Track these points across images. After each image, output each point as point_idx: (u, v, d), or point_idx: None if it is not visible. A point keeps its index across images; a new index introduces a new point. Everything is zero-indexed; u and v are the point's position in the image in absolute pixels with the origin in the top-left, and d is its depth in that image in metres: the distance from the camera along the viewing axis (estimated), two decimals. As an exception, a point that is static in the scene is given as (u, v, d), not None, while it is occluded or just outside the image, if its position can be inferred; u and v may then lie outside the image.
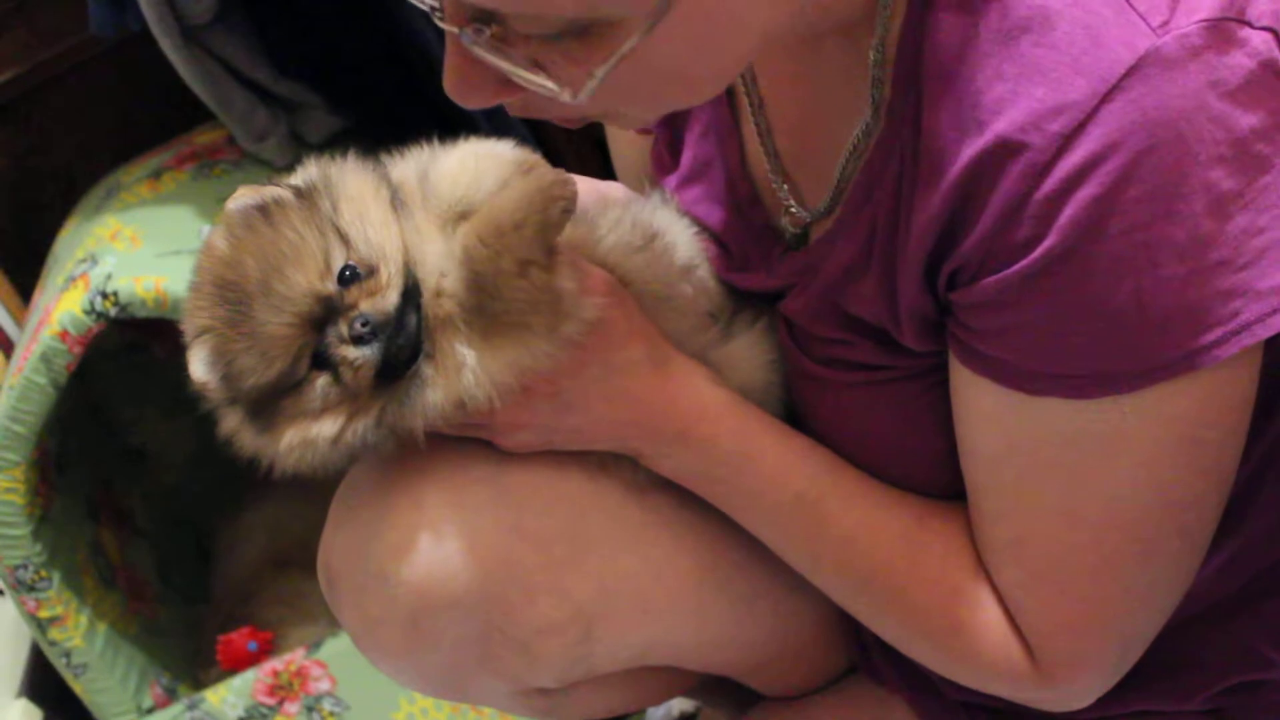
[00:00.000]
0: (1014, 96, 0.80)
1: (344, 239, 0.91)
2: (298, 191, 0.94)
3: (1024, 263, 0.81)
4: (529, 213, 0.90)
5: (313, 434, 0.92)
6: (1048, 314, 0.83)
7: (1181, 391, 0.83)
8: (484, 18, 0.76)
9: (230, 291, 0.90)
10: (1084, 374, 0.84)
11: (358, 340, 0.89)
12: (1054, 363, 0.84)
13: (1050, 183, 0.79)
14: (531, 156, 0.97)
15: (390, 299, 0.90)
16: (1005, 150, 0.80)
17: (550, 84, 0.77)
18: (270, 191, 0.94)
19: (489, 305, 0.91)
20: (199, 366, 0.91)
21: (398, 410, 0.92)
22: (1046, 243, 0.80)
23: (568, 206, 0.91)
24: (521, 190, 0.91)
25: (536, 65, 0.78)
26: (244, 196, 0.94)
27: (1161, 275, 0.80)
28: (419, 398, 0.91)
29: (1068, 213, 0.79)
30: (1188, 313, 0.80)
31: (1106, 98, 0.77)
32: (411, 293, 0.91)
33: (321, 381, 0.91)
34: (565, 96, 0.78)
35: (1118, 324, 0.81)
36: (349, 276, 0.90)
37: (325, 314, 0.90)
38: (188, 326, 0.93)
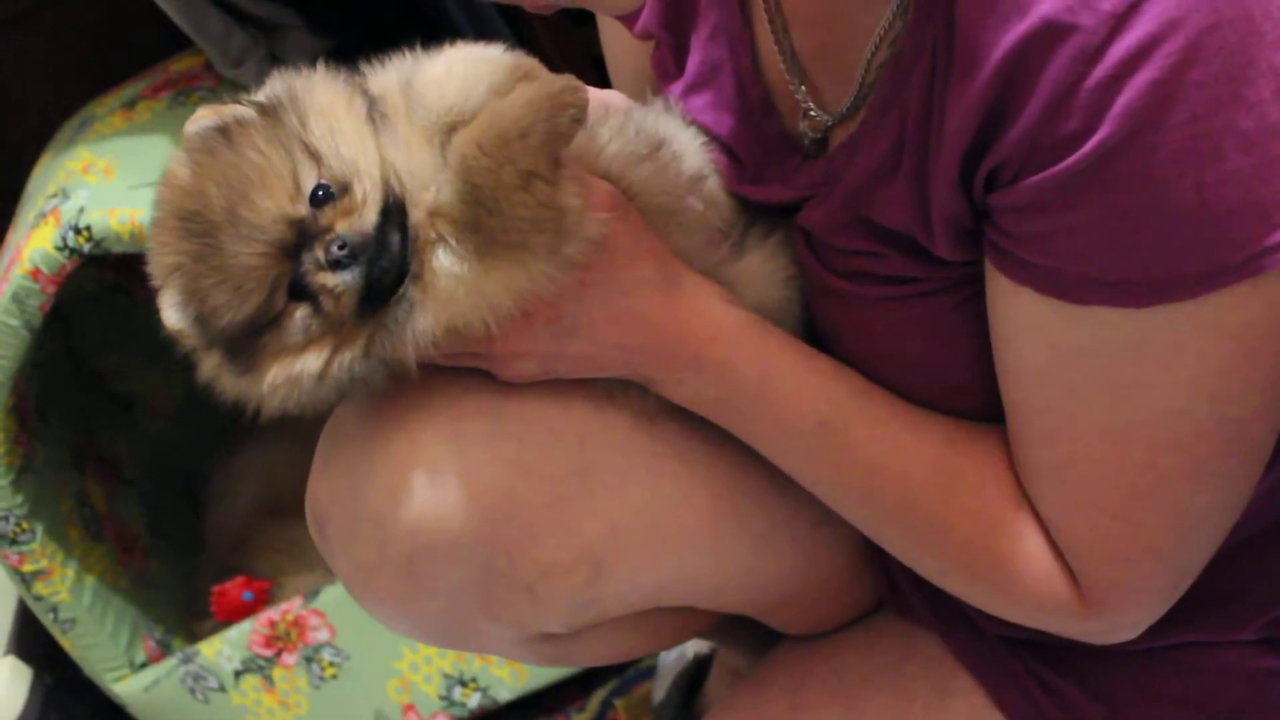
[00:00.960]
0: None
1: (314, 156, 0.85)
2: (261, 109, 0.88)
3: (1073, 158, 0.76)
4: (536, 120, 0.84)
5: (296, 370, 0.86)
6: (1099, 215, 0.77)
7: (1244, 299, 0.78)
8: None
9: (195, 223, 0.85)
10: (1138, 280, 0.79)
11: (335, 265, 0.84)
12: (1104, 269, 0.79)
13: (1103, 68, 0.74)
14: (527, 61, 0.92)
15: (368, 217, 0.84)
16: (1051, 33, 0.75)
17: None
18: (231, 111, 0.88)
19: (485, 222, 0.85)
20: (171, 312, 0.87)
21: (386, 339, 0.87)
22: (1098, 135, 0.75)
23: (578, 115, 0.85)
24: (528, 96, 0.85)
25: None
26: (203, 118, 0.88)
27: (1226, 168, 0.74)
28: (408, 324, 0.86)
29: (1122, 100, 0.74)
30: (1253, 210, 0.76)
31: None
32: (392, 210, 0.85)
33: (301, 313, 0.85)
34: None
35: (1176, 224, 0.76)
36: (321, 197, 0.85)
37: (299, 239, 0.84)
38: (155, 267, 0.88)
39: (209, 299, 0.85)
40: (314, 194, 0.85)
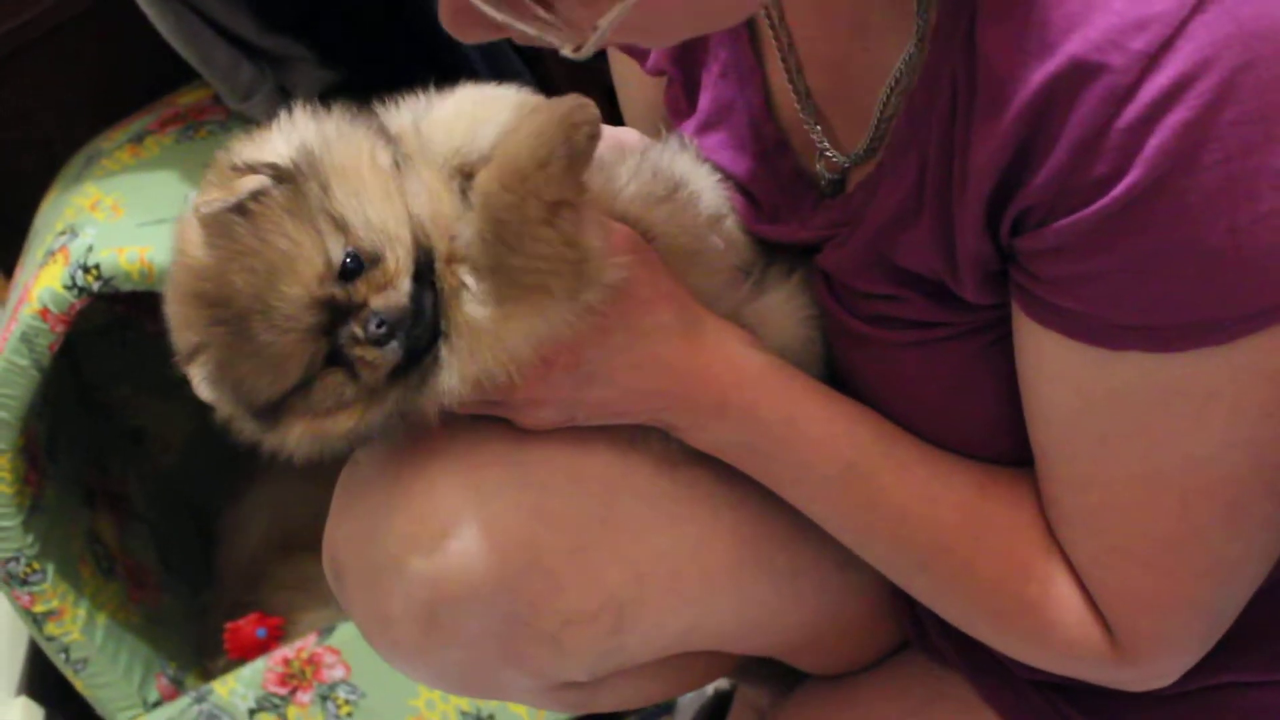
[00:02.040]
0: (1088, 11, 0.73)
1: (340, 226, 0.83)
2: (277, 174, 0.84)
3: (1103, 201, 0.75)
4: (552, 147, 0.82)
5: (325, 429, 0.86)
6: (1130, 259, 0.76)
7: (1277, 341, 0.77)
8: None
9: (221, 310, 0.83)
10: (1170, 325, 0.77)
11: (376, 342, 0.83)
12: (1136, 313, 0.78)
13: (1134, 108, 0.73)
14: (533, 98, 0.91)
15: (403, 289, 0.83)
16: (1080, 73, 0.73)
17: (553, 29, 0.73)
18: (245, 186, 0.83)
19: (507, 261, 0.84)
20: (204, 387, 0.86)
21: (413, 397, 0.87)
22: (1130, 177, 0.73)
23: (593, 131, 0.84)
24: (538, 125, 0.83)
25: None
26: (217, 200, 0.83)
27: (1260, 209, 0.73)
28: (434, 382, 0.86)
29: (1154, 142, 0.72)
30: None
31: (1197, 8, 0.71)
32: (424, 272, 0.84)
33: (335, 379, 0.85)
34: (567, 50, 0.75)
35: (1209, 267, 0.75)
36: (352, 266, 0.83)
37: (334, 317, 0.83)
38: (179, 342, 0.87)
39: (245, 381, 0.84)
40: (344, 265, 0.83)
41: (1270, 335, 0.76)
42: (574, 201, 0.83)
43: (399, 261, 0.83)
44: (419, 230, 0.84)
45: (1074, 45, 0.74)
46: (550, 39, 0.75)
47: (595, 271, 0.86)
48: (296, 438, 0.87)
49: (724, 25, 0.84)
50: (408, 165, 0.86)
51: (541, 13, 0.73)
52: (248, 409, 0.86)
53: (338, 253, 0.83)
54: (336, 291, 0.83)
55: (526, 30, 0.74)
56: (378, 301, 0.82)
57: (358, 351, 0.83)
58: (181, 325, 0.86)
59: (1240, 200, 0.73)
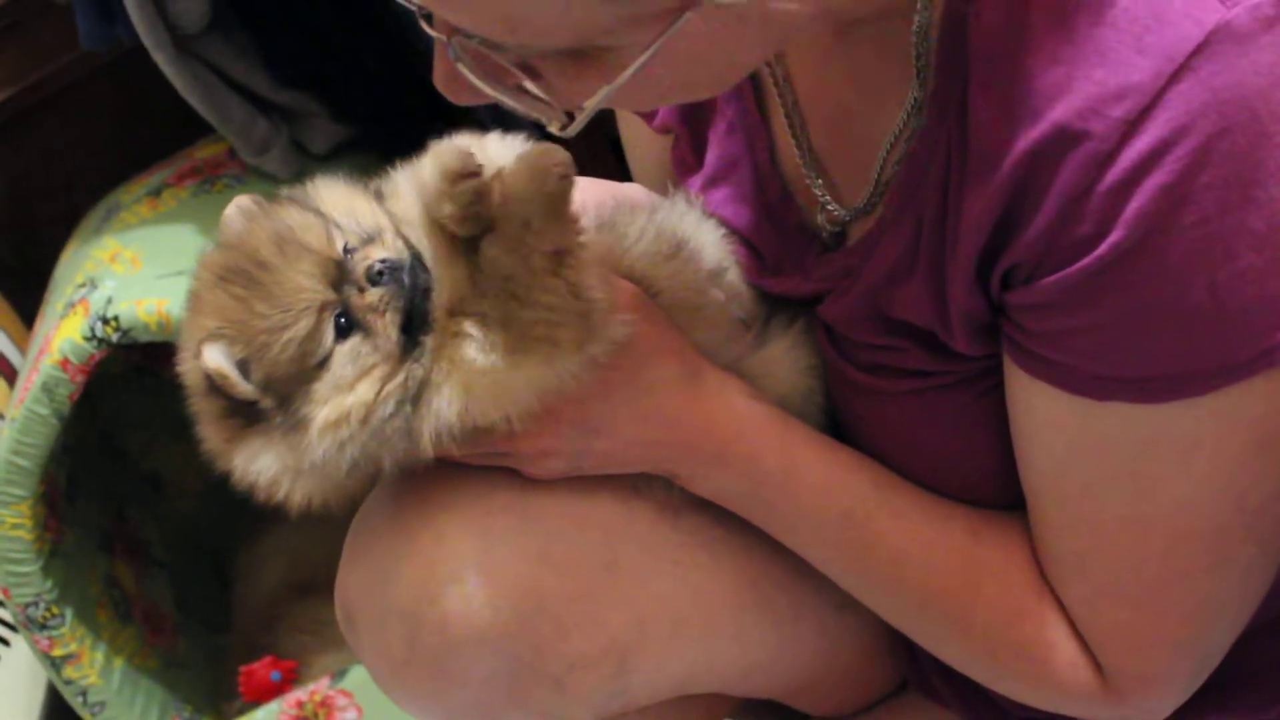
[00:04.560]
0: (1071, 80, 0.76)
1: (338, 226, 0.90)
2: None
3: (1087, 260, 0.77)
4: (530, 206, 0.86)
5: (349, 404, 0.87)
6: (1114, 315, 0.78)
7: (1258, 391, 0.79)
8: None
9: (239, 271, 0.88)
10: (1154, 376, 0.80)
11: (376, 280, 0.87)
12: (1120, 366, 0.80)
13: (1115, 172, 0.75)
14: (507, 149, 0.93)
15: (398, 245, 0.89)
16: (1064, 139, 0.76)
17: (541, 101, 0.77)
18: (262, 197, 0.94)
19: (516, 315, 0.87)
20: (214, 354, 0.87)
21: (414, 412, 0.88)
22: (1112, 238, 0.76)
23: (564, 172, 0.87)
24: (509, 189, 0.87)
25: (530, 70, 0.76)
26: (239, 200, 0.94)
27: (1238, 267, 0.75)
28: (429, 402, 0.88)
29: (1134, 204, 0.75)
30: (1265, 307, 0.77)
31: (1174, 78, 0.73)
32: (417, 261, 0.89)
33: (349, 345, 0.87)
34: (554, 128, 0.78)
35: (1191, 322, 0.77)
36: (352, 249, 0.89)
37: (339, 276, 0.88)
38: (188, 339, 0.90)
39: (257, 335, 0.86)
40: (345, 247, 0.89)
41: (1250, 385, 0.78)
42: (571, 247, 0.87)
43: (391, 239, 0.89)
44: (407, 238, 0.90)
45: (1058, 113, 0.76)
46: (537, 114, 0.78)
47: (601, 324, 0.88)
48: (322, 425, 0.87)
49: (709, 95, 0.87)
50: (394, 203, 0.92)
51: (530, 85, 0.76)
52: (260, 381, 0.87)
53: (339, 238, 0.89)
54: (341, 256, 0.88)
55: (513, 105, 0.77)
56: (376, 253, 0.88)
57: (364, 299, 0.87)
58: (194, 319, 0.90)
59: (1219, 259, 0.75)
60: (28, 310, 1.92)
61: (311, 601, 1.75)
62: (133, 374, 1.88)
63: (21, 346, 1.91)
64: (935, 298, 0.87)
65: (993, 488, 0.94)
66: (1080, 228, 0.77)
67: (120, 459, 1.91)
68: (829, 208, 0.96)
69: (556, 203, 0.87)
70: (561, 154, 0.87)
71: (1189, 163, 0.74)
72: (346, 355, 0.87)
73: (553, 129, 0.79)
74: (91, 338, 1.46)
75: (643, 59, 0.74)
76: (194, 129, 1.82)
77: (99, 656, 1.59)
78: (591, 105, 0.76)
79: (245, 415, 0.88)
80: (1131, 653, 0.89)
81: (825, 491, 0.95)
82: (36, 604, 1.54)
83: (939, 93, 0.83)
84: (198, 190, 1.72)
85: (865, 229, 0.93)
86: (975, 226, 0.82)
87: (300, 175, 0.95)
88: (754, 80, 0.99)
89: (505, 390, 0.87)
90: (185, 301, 0.92)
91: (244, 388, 0.87)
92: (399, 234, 0.90)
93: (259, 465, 0.89)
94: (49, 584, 1.55)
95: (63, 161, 2.09)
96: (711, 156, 1.04)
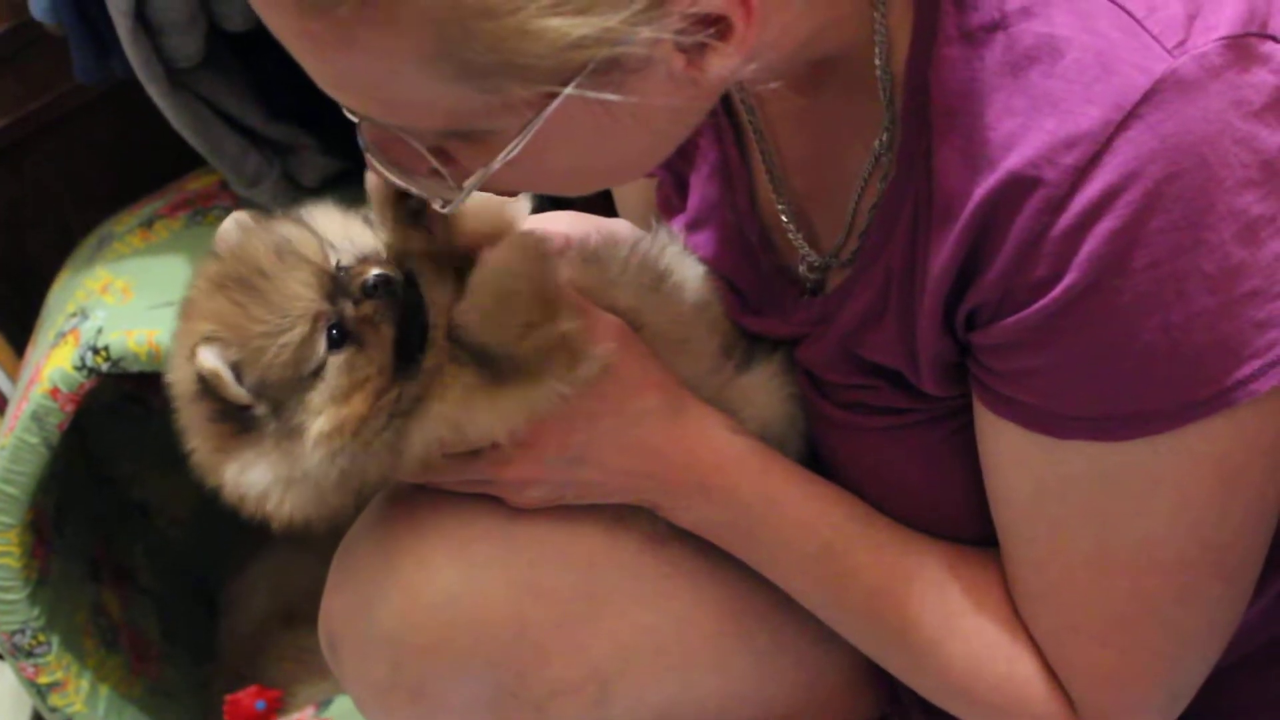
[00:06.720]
0: (1024, 130, 0.78)
1: (333, 246, 0.91)
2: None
3: (1044, 301, 0.79)
4: (508, 290, 0.89)
5: (343, 415, 0.88)
6: (1072, 354, 0.80)
7: (1217, 430, 0.81)
8: None
9: (236, 279, 0.89)
10: (1113, 415, 0.81)
11: (370, 293, 0.88)
12: (1081, 404, 0.82)
13: (1067, 217, 0.77)
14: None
15: (392, 264, 0.90)
16: (1018, 186, 0.78)
17: (429, 184, 0.81)
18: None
19: (500, 363, 0.89)
20: (209, 356, 0.87)
21: (404, 426, 0.90)
22: (1066, 280, 0.78)
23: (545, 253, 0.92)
24: (496, 273, 0.89)
25: (441, 153, 0.78)
26: (237, 215, 0.95)
27: (1191, 309, 0.77)
28: (427, 408, 0.89)
29: (1087, 248, 0.77)
30: (1220, 347, 0.78)
31: (1122, 126, 0.75)
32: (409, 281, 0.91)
33: (343, 356, 0.88)
34: (437, 205, 0.82)
35: (1146, 362, 0.79)
36: (345, 266, 0.90)
37: (335, 289, 0.89)
38: (180, 345, 0.90)
39: (252, 339, 0.87)
40: (338, 265, 0.90)
41: (1210, 424, 0.80)
42: (540, 321, 0.89)
43: (385, 259, 0.90)
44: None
45: (1012, 161, 0.78)
46: (422, 192, 0.81)
47: (583, 347, 0.91)
48: (318, 435, 0.87)
49: (631, 178, 0.93)
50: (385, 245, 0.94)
51: (438, 165, 0.78)
52: (254, 385, 0.88)
53: (332, 255, 0.90)
54: (335, 271, 0.89)
55: (419, 191, 0.81)
56: (371, 269, 0.89)
57: (359, 311, 0.88)
58: (187, 326, 0.90)
59: (1171, 301, 0.77)
60: (19, 339, 1.92)
61: (298, 630, 1.75)
62: (122, 403, 1.87)
63: (13, 375, 1.91)
64: (904, 342, 0.88)
65: (967, 522, 0.95)
66: (1036, 271, 0.78)
67: (109, 487, 1.90)
68: (808, 258, 0.97)
69: (545, 286, 0.90)
70: (546, 244, 0.93)
71: (1138, 207, 0.75)
72: (341, 366, 0.88)
73: (435, 206, 0.82)
74: (82, 367, 1.46)
75: (512, 146, 0.76)
76: (186, 161, 1.81)
77: (84, 684, 1.58)
78: (471, 184, 0.79)
79: (236, 421, 0.89)
80: (1102, 687, 0.90)
81: (805, 524, 0.96)
82: (23, 631, 1.54)
83: (905, 146, 0.85)
84: (190, 222, 1.72)
85: (843, 278, 0.94)
86: (940, 273, 0.83)
87: (291, 207, 0.96)
88: (735, 126, 1.01)
89: (497, 409, 0.89)
90: (178, 311, 0.92)
91: (237, 390, 0.87)
92: (392, 257, 0.91)
93: (251, 476, 0.89)
94: (36, 611, 1.54)
95: (56, 192, 2.09)
96: (694, 200, 1.06)
